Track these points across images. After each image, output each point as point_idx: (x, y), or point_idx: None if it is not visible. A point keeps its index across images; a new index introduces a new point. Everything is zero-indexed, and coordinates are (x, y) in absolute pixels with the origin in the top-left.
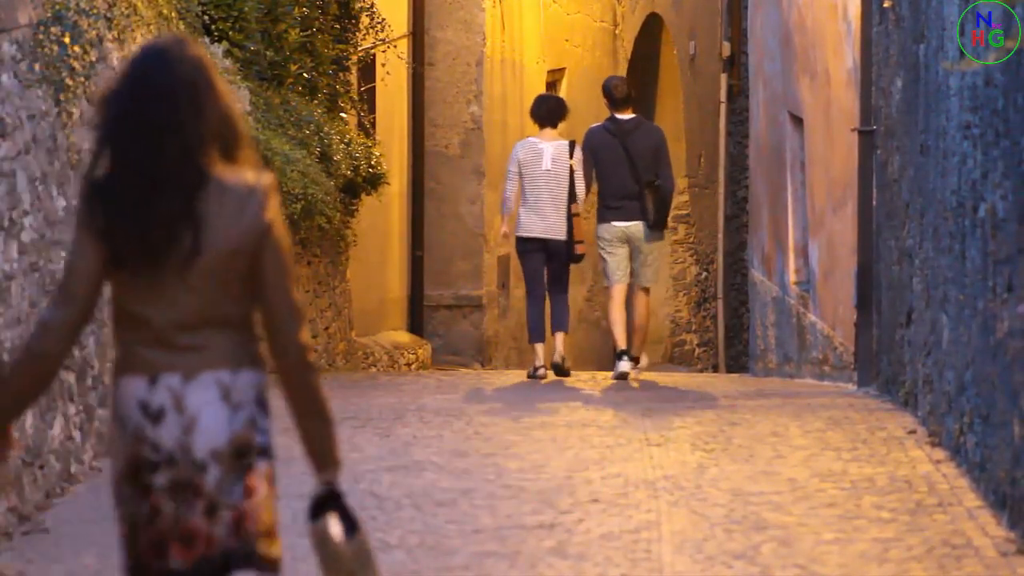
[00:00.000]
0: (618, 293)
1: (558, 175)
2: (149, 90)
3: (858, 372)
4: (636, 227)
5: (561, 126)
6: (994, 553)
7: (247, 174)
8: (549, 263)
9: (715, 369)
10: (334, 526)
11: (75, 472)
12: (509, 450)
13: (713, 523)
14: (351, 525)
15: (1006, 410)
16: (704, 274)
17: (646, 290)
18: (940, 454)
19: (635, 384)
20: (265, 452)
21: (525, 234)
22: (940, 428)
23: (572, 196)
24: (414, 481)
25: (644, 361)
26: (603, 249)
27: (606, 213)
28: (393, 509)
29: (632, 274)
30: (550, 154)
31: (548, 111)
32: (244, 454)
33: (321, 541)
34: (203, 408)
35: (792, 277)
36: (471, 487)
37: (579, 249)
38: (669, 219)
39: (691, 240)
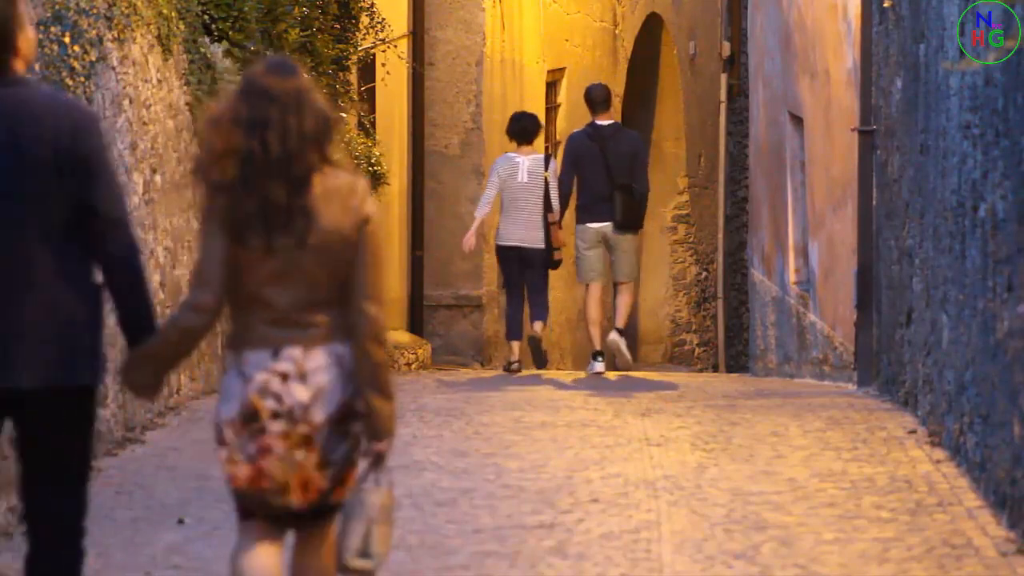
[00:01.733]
0: (595, 291)
1: (534, 187)
2: (261, 97)
3: (858, 372)
4: (603, 227)
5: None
6: (994, 553)
7: (346, 174)
8: (527, 270)
9: (715, 369)
10: (370, 482)
11: None
12: (509, 450)
13: (713, 523)
14: (381, 483)
15: (1006, 410)
16: (704, 274)
17: (627, 285)
18: (940, 454)
19: (611, 377)
20: (359, 416)
21: (504, 243)
22: (940, 428)
23: (548, 206)
24: (414, 481)
25: (623, 346)
26: (579, 248)
27: (583, 215)
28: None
29: (613, 271)
30: (526, 167)
31: (522, 129)
32: (347, 418)
33: (355, 493)
34: (325, 380)
35: (792, 277)
36: (471, 487)
37: (556, 256)
38: (669, 219)
39: (691, 240)
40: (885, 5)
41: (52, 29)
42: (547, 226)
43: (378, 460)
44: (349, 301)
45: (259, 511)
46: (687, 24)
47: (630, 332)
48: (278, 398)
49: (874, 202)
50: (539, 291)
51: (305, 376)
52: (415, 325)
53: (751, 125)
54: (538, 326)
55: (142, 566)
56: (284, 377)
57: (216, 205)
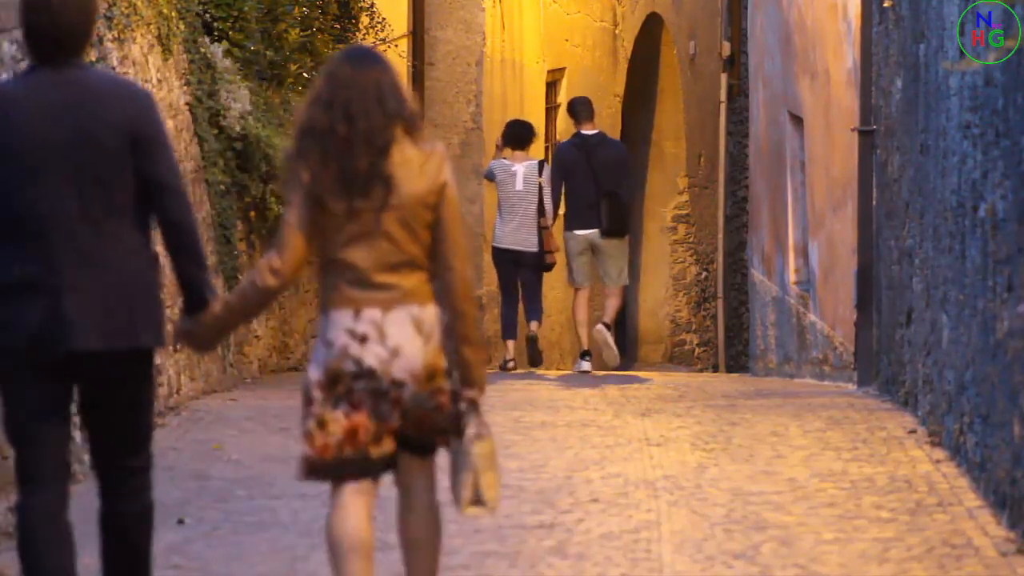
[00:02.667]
0: (583, 294)
1: (529, 193)
2: (344, 81)
3: (858, 372)
4: (591, 233)
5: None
6: (994, 553)
7: (425, 143)
8: (521, 273)
9: (715, 369)
10: (469, 431)
11: (75, 472)
12: (509, 450)
13: (713, 523)
14: (482, 433)
15: (1006, 410)
16: (704, 274)
17: (616, 290)
18: (940, 454)
19: (597, 373)
20: (448, 372)
21: (499, 245)
22: (940, 428)
23: (541, 211)
24: None
25: (610, 340)
26: (569, 254)
27: (571, 222)
28: (393, 509)
29: (602, 276)
30: (521, 174)
31: (517, 135)
32: (433, 376)
33: (457, 445)
34: (403, 339)
35: (792, 277)
36: None
37: (549, 259)
38: (669, 219)
39: (691, 240)
40: (885, 5)
41: None
42: (540, 230)
43: (472, 408)
44: (434, 262)
45: (348, 472)
46: (687, 24)
47: (629, 332)
48: (357, 361)
49: (874, 202)
50: (533, 292)
51: (384, 336)
52: None
53: (751, 125)
54: (534, 325)
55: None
56: (363, 340)
57: (298, 176)
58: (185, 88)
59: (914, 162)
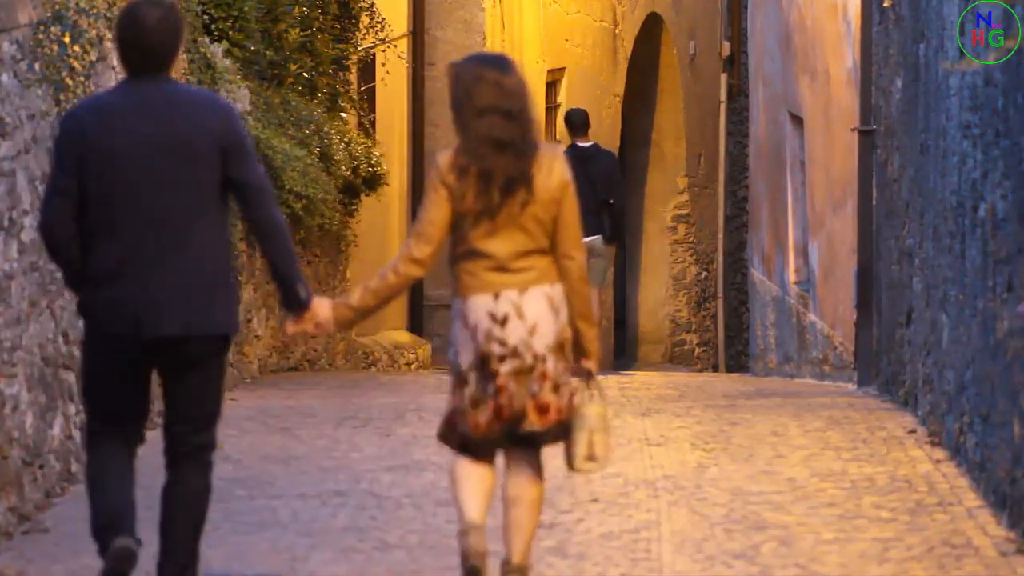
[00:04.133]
0: None
1: None
2: (502, 88)
3: (858, 372)
4: (593, 240)
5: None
6: (994, 553)
7: (548, 144)
8: None
9: (715, 369)
10: (586, 396)
11: (75, 472)
12: None
13: (713, 523)
14: (597, 397)
15: (1006, 410)
16: (704, 274)
17: (595, 291)
18: (940, 454)
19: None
20: (567, 343)
21: None
22: (940, 428)
23: None
24: (414, 481)
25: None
26: None
27: None
28: (393, 509)
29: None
30: None
31: None
32: (562, 346)
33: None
34: (539, 316)
35: (792, 277)
36: None
37: None
38: (669, 219)
39: (691, 240)
40: (885, 5)
41: (52, 29)
42: None
43: (589, 376)
44: (555, 249)
45: (478, 450)
46: (687, 24)
47: (629, 332)
48: (502, 343)
49: (874, 202)
50: None
51: (523, 315)
52: (415, 325)
53: (751, 125)
54: None
55: (142, 566)
56: (503, 321)
57: (443, 179)
58: None
59: (914, 162)
